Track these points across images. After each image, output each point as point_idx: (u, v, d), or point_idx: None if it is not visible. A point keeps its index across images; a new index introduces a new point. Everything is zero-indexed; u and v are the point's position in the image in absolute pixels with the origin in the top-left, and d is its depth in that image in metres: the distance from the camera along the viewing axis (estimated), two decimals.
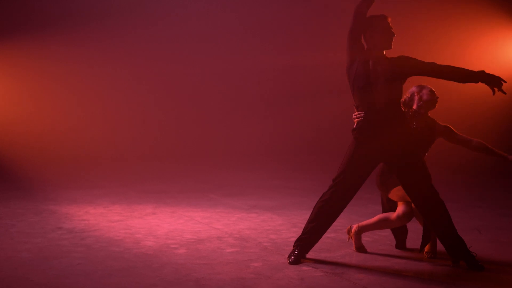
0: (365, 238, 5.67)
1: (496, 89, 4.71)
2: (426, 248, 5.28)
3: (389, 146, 4.91)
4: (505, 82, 4.74)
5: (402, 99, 5.26)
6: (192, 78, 14.37)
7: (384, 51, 4.98)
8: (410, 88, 5.35)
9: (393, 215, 5.25)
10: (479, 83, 4.75)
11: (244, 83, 14.14)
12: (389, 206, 5.42)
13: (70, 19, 13.15)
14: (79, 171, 11.57)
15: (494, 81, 4.70)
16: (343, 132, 6.58)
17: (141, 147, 13.98)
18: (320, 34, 12.41)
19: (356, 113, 5.02)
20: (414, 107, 5.28)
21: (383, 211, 5.48)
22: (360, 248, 5.39)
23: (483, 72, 4.74)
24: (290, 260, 4.92)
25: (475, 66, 5.57)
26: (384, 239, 5.82)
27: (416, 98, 5.28)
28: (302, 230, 5.19)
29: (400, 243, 5.50)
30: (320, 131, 13.63)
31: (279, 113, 14.30)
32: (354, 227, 5.42)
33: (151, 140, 14.21)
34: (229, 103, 14.39)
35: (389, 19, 4.99)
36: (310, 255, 5.07)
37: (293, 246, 5.05)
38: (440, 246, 5.28)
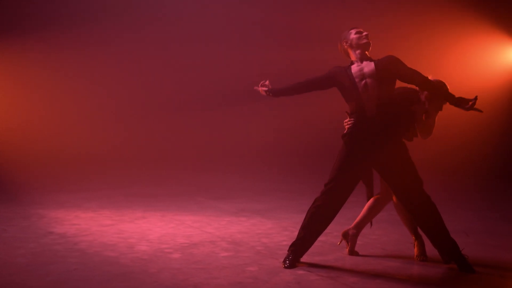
0: (357, 241, 5.74)
1: (470, 104, 4.80)
2: (416, 252, 5.38)
3: (379, 152, 4.99)
4: (473, 100, 4.80)
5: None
6: (181, 81, 14.35)
7: (367, 52, 5.08)
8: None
9: (379, 196, 5.41)
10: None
11: (232, 85, 14.13)
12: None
13: (67, 21, 13.08)
14: (64, 173, 11.52)
15: (462, 102, 4.82)
16: (333, 135, 6.64)
17: (127, 150, 13.94)
18: (318, 35, 12.34)
19: (347, 119, 5.11)
20: (423, 98, 5.19)
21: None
22: (353, 252, 5.48)
23: (453, 97, 4.85)
24: (285, 265, 4.99)
25: (452, 73, 5.63)
26: (375, 242, 5.93)
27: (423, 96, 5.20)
28: (293, 233, 5.26)
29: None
30: (310, 133, 13.66)
31: (267, 115, 14.32)
32: (351, 229, 5.48)
33: (136, 143, 14.18)
34: (215, 106, 14.39)
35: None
36: (303, 258, 5.14)
37: (288, 251, 5.11)
38: (431, 249, 5.36)
